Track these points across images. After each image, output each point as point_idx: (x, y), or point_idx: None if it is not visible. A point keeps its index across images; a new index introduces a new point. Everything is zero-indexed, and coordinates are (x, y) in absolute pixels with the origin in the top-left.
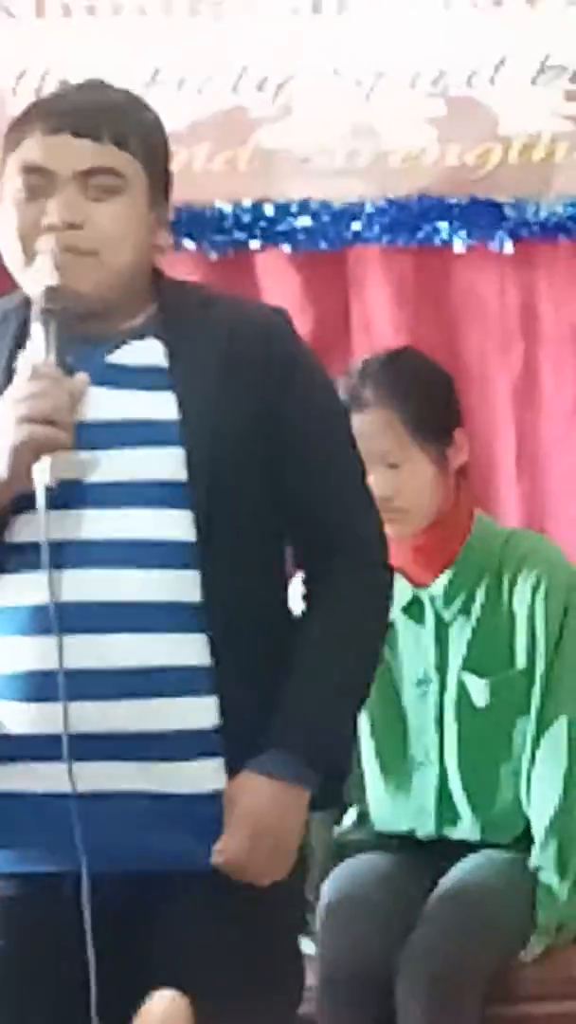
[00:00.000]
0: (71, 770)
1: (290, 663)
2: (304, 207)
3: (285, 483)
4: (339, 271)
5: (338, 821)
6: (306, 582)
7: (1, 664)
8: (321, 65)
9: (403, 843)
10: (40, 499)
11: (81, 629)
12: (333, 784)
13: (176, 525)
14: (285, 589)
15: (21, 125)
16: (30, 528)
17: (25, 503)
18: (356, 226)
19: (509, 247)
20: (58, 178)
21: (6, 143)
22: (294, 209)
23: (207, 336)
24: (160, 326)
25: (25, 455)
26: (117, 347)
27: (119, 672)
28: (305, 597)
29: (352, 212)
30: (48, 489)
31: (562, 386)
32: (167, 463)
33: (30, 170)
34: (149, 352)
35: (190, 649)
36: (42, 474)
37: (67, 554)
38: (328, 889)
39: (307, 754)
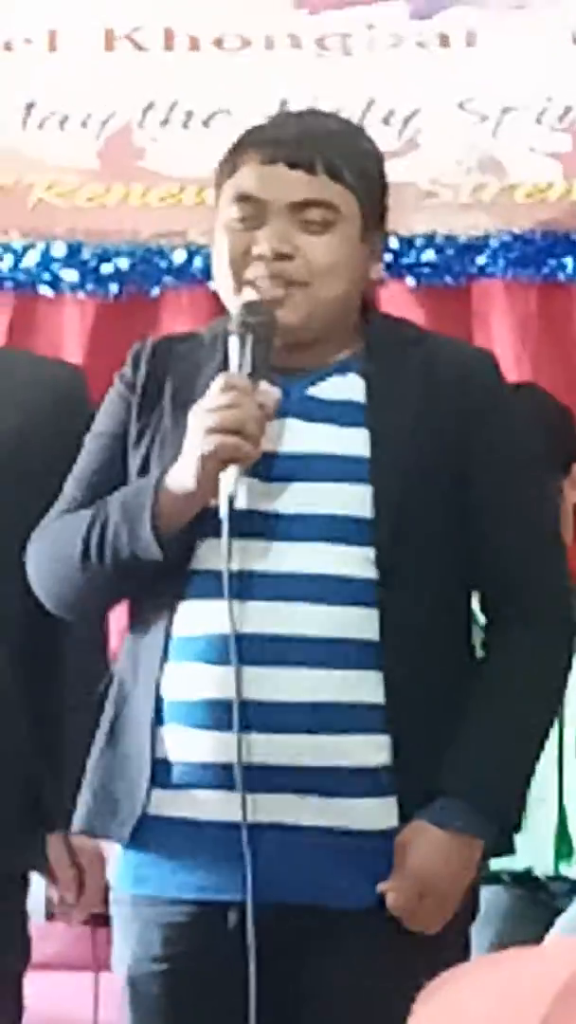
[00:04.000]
0: (244, 800)
1: (466, 710)
2: (429, 241)
3: (474, 529)
4: (463, 305)
5: None
6: (488, 629)
7: (179, 690)
8: (447, 99)
9: (520, 881)
10: (223, 507)
11: (260, 661)
12: (504, 835)
13: (358, 562)
14: (469, 631)
15: (238, 151)
16: (215, 555)
17: (210, 529)
18: (480, 260)
19: None
20: (270, 208)
21: (223, 167)
22: (419, 243)
23: (408, 375)
24: (364, 362)
25: (212, 466)
26: (319, 380)
27: (295, 706)
28: (485, 644)
29: (476, 246)
30: (231, 500)
31: None
32: (354, 499)
33: (243, 199)
34: (349, 387)
35: (365, 687)
36: (227, 484)
37: (250, 585)
38: None
39: (481, 804)
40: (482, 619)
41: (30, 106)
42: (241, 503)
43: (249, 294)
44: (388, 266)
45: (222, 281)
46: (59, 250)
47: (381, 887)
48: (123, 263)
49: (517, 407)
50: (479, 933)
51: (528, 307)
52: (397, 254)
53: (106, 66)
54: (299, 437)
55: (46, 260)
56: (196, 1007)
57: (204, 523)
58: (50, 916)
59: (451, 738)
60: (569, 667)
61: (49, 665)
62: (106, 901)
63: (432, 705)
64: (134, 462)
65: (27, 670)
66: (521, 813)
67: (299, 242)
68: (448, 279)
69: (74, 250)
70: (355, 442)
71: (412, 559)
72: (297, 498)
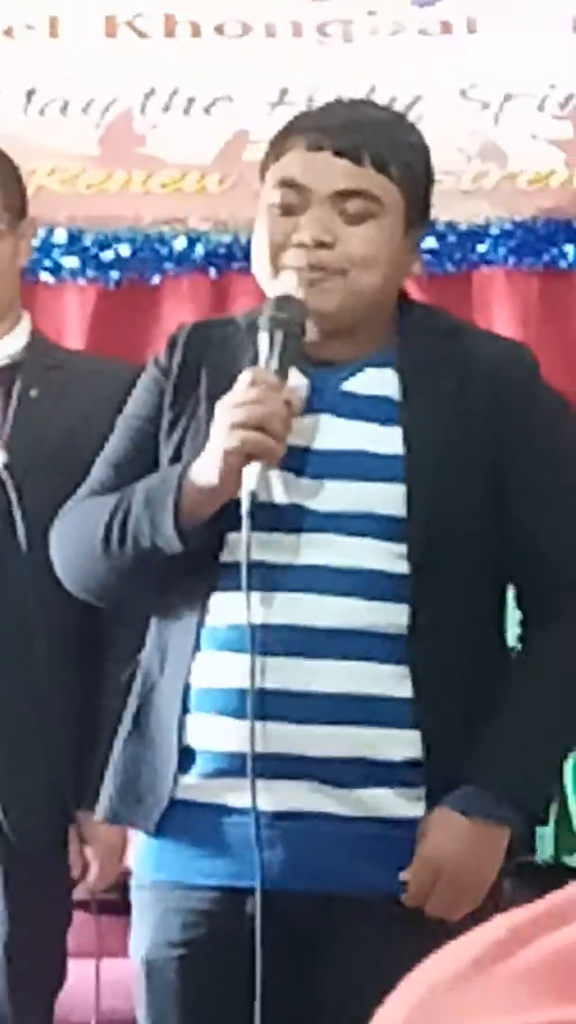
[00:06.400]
0: (253, 787)
1: (499, 700)
2: (430, 228)
3: (511, 522)
4: (464, 293)
5: None
6: (524, 623)
7: (208, 678)
8: (449, 86)
9: (521, 867)
10: (245, 505)
11: (287, 652)
12: (528, 827)
13: (390, 557)
14: (502, 628)
15: (285, 137)
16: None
17: (240, 520)
18: (482, 248)
19: None
20: (314, 195)
21: (269, 152)
22: None
23: (444, 370)
24: (399, 355)
25: (235, 461)
26: (354, 374)
27: (321, 697)
28: (521, 638)
29: (478, 234)
30: (253, 495)
31: None
32: (388, 498)
33: (287, 184)
34: (384, 382)
35: (394, 680)
36: (249, 479)
37: (279, 576)
38: None
39: (507, 793)
40: (517, 615)
41: (31, 92)
42: (274, 497)
43: (287, 278)
44: None
45: (260, 265)
46: (60, 236)
47: (403, 876)
48: (124, 250)
49: (555, 400)
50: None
51: (529, 295)
52: None
53: (107, 52)
54: (333, 434)
55: (47, 247)
56: (211, 993)
57: (235, 514)
58: None
59: (480, 733)
60: None
61: (97, 653)
62: (115, 888)
63: (461, 701)
64: (166, 451)
65: (74, 657)
66: (548, 806)
67: (339, 231)
68: (449, 267)
69: (75, 237)
70: (389, 440)
71: (444, 555)
72: (330, 496)
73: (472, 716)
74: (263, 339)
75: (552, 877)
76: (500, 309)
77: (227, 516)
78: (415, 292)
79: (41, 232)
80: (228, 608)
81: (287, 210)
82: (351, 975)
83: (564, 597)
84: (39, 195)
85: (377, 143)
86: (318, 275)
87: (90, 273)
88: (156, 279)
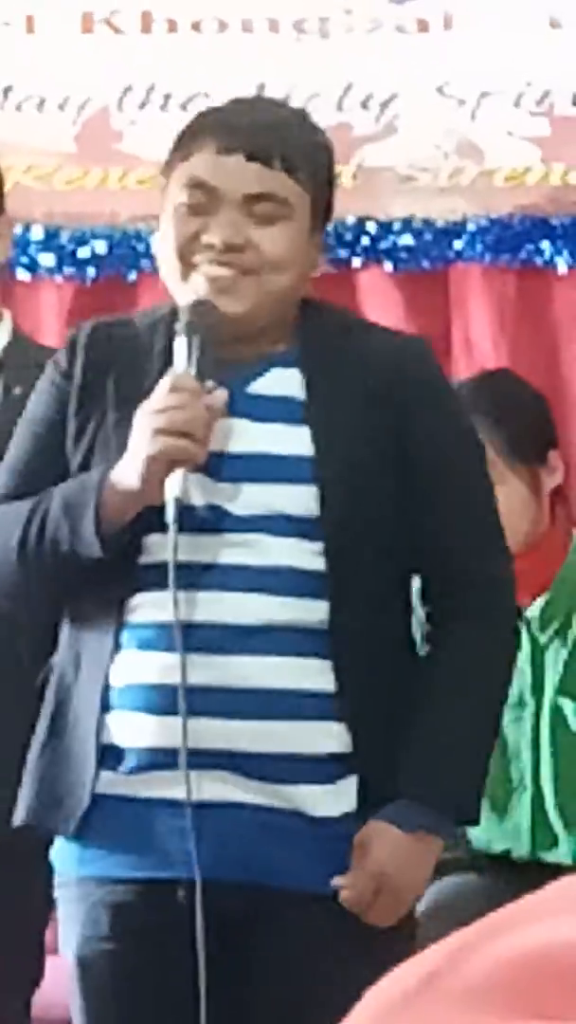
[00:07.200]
0: (188, 780)
1: (416, 706)
2: (406, 225)
3: (417, 516)
4: (441, 290)
5: None
6: (431, 619)
7: (128, 676)
8: (426, 83)
9: (499, 864)
10: (170, 512)
11: (209, 649)
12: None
13: (307, 555)
14: (409, 623)
15: (193, 136)
16: (165, 549)
17: (159, 523)
18: (458, 244)
19: None
20: (224, 198)
21: (176, 152)
22: (396, 227)
23: (345, 367)
24: (301, 355)
25: (158, 467)
26: (260, 375)
27: (246, 692)
28: (429, 636)
29: (455, 231)
30: (177, 501)
31: None
32: (301, 499)
33: (197, 185)
34: (288, 382)
35: (317, 675)
36: (173, 487)
37: (200, 576)
38: (421, 908)
39: (438, 803)
40: (421, 611)
41: (7, 89)
42: (193, 499)
43: (197, 281)
44: (366, 250)
45: (168, 266)
46: (37, 233)
47: (336, 881)
48: (100, 247)
49: (454, 392)
50: (459, 916)
51: (506, 292)
52: (375, 238)
53: (84, 49)
54: (245, 437)
55: (23, 244)
56: (146, 985)
57: (152, 517)
58: None
59: (403, 729)
60: (515, 654)
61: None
62: None
63: (383, 693)
64: (75, 457)
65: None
66: (479, 808)
67: (250, 233)
68: (426, 264)
69: (51, 234)
70: (298, 440)
71: (359, 551)
72: (246, 499)
73: (394, 708)
74: (180, 344)
75: (529, 874)
76: (477, 306)
77: (144, 519)
78: (390, 289)
79: (18, 229)
80: (147, 608)
81: (195, 211)
82: (279, 965)
83: (471, 592)
84: (15, 192)
85: (287, 146)
86: (229, 277)
87: (67, 270)
88: (133, 276)
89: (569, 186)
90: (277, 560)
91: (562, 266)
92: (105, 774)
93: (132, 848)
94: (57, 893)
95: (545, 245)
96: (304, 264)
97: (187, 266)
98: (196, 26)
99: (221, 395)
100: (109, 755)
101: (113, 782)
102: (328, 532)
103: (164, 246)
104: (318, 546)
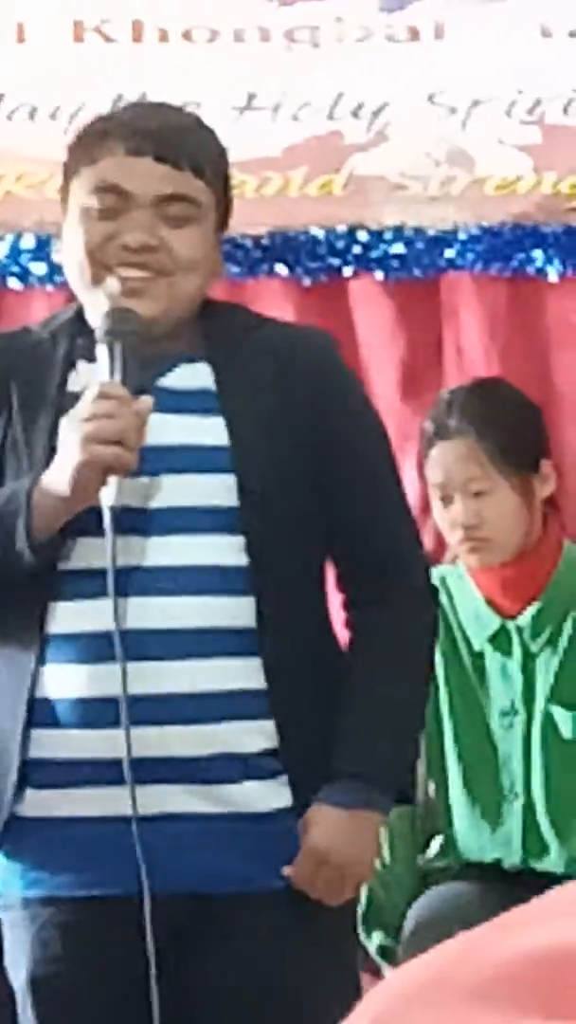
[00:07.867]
0: (134, 793)
1: (345, 692)
2: (398, 233)
3: (333, 503)
4: (432, 298)
5: (423, 849)
6: (350, 607)
7: (55, 690)
8: (417, 92)
9: (489, 873)
10: (107, 521)
11: (139, 656)
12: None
13: (230, 551)
14: (327, 612)
15: (97, 141)
16: (88, 554)
17: (79, 528)
18: (450, 253)
19: None
20: (136, 200)
21: (78, 156)
22: (388, 235)
23: (254, 359)
24: (206, 349)
25: (91, 475)
26: (170, 370)
27: (179, 697)
28: (350, 623)
29: (446, 239)
30: (113, 510)
31: None
32: (219, 490)
33: (107, 189)
34: (198, 376)
35: (247, 673)
36: (109, 496)
37: (126, 581)
38: (412, 916)
39: (374, 779)
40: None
41: None
42: (121, 498)
43: (111, 284)
44: (357, 259)
45: (78, 270)
46: (28, 242)
47: (285, 870)
48: None
49: (357, 382)
50: (450, 926)
51: (497, 300)
52: (366, 247)
53: (75, 58)
54: (159, 430)
55: (15, 253)
56: (100, 1003)
57: (74, 523)
58: None
59: (334, 717)
60: (436, 628)
61: None
62: None
63: (312, 686)
64: None
65: None
66: (413, 785)
67: (163, 235)
68: (417, 272)
69: (43, 243)
70: (213, 431)
71: (281, 544)
72: (165, 492)
73: (323, 700)
74: (102, 352)
75: (520, 883)
76: (468, 314)
77: (65, 524)
78: (381, 298)
79: (9, 238)
80: (72, 617)
81: (106, 214)
82: (234, 972)
83: (389, 579)
84: (7, 201)
85: (193, 148)
86: (142, 280)
87: (58, 279)
88: None
89: (560, 195)
90: (201, 559)
91: (553, 275)
92: (36, 793)
93: (76, 866)
94: (1, 915)
95: (537, 254)
96: (211, 265)
97: (100, 269)
98: (187, 35)
99: (147, 400)
100: (38, 771)
101: (45, 800)
102: (249, 522)
103: (72, 251)
104: (240, 540)
